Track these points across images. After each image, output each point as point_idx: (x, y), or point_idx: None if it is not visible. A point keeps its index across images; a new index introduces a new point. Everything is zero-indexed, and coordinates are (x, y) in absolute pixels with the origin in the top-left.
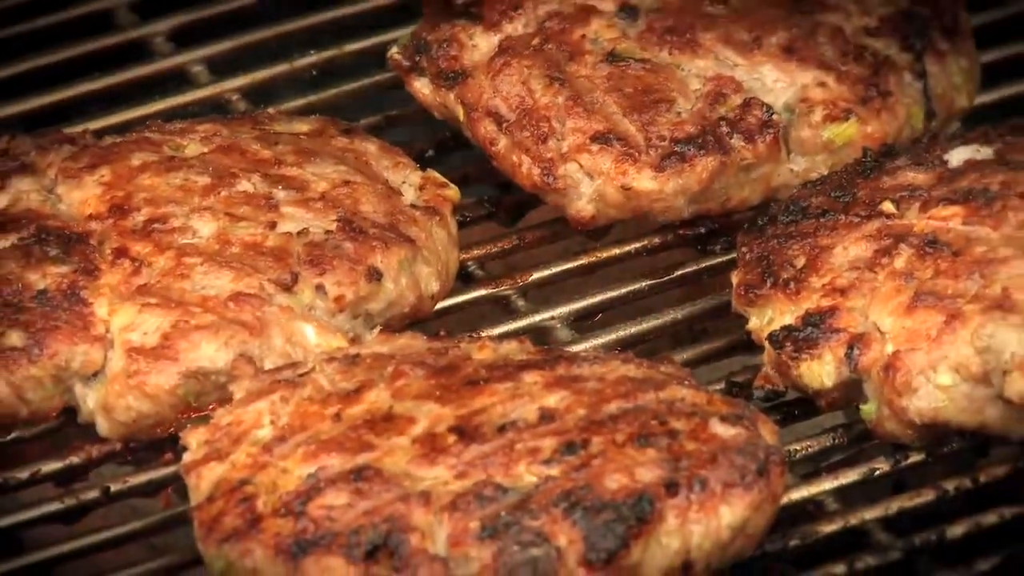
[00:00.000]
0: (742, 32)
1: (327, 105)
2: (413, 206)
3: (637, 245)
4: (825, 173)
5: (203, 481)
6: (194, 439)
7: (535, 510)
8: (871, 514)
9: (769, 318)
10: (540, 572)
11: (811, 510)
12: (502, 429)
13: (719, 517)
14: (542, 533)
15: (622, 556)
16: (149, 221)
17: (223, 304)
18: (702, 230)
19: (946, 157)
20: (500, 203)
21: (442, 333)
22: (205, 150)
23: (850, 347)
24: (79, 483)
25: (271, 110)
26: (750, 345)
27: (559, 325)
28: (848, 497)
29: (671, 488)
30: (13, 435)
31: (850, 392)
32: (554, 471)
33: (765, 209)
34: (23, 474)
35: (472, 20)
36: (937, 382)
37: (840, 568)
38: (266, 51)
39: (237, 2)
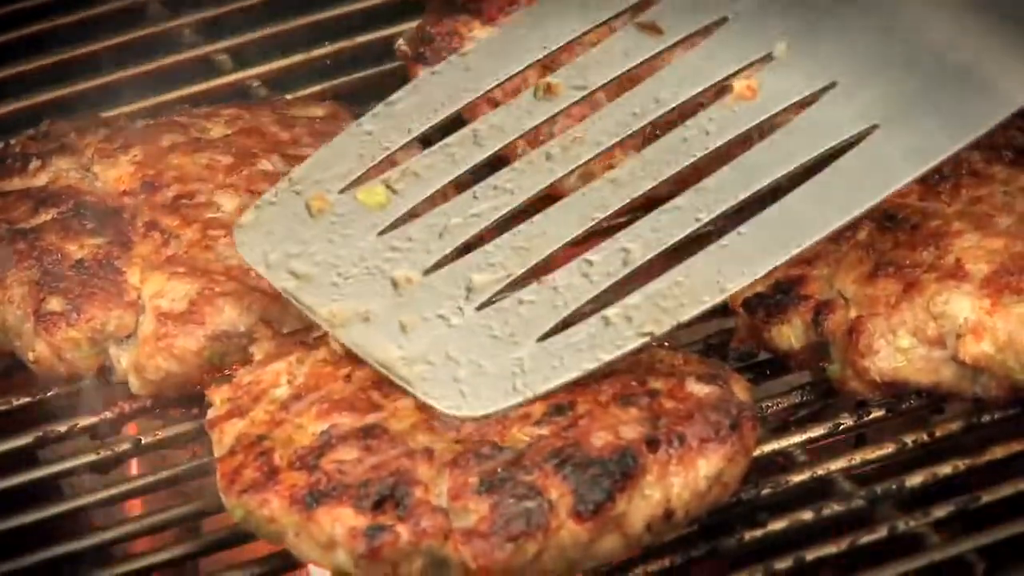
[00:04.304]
0: None
1: (340, 91)
2: None
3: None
4: None
5: (225, 436)
6: (218, 396)
7: (528, 466)
8: (836, 465)
9: None
10: (533, 523)
11: (781, 461)
12: None
13: (697, 469)
14: (535, 487)
15: (609, 507)
16: (178, 197)
17: (245, 273)
18: None
19: None
20: None
21: None
22: (229, 132)
23: (817, 312)
24: (113, 436)
25: (289, 96)
26: (725, 310)
27: None
28: (815, 449)
29: (652, 444)
30: (52, 392)
31: (817, 353)
32: (545, 431)
33: None
34: (62, 427)
35: (472, 15)
36: (896, 345)
37: (808, 514)
38: (285, 42)
39: None
